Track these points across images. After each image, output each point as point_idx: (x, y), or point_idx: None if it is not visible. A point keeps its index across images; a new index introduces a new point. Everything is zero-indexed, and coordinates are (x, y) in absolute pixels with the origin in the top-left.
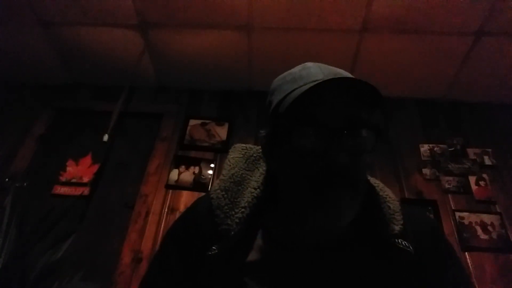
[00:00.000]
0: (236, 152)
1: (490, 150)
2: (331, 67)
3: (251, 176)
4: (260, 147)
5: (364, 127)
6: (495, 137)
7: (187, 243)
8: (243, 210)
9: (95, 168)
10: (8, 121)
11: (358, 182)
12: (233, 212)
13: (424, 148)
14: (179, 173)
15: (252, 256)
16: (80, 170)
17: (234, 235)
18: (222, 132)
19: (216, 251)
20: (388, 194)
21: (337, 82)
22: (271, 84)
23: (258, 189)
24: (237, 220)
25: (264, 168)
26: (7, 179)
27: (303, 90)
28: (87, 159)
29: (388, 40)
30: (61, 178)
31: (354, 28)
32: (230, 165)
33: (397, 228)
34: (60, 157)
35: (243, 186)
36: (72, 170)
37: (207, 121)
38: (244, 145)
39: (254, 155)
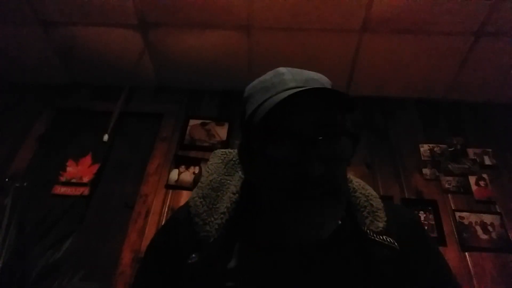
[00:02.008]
0: (216, 158)
1: (490, 150)
2: (303, 71)
3: (230, 181)
4: None
5: (339, 134)
6: (495, 137)
7: (167, 255)
8: (222, 216)
9: (95, 168)
10: (8, 121)
11: (337, 190)
12: (212, 219)
13: (424, 148)
14: (179, 173)
15: (234, 261)
16: (80, 170)
17: (214, 241)
18: (222, 132)
19: (196, 259)
20: (370, 192)
21: (308, 92)
22: (244, 92)
23: (237, 194)
24: (216, 227)
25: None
26: (7, 179)
27: (276, 101)
28: (87, 159)
29: (388, 40)
30: (61, 178)
31: (354, 28)
32: (208, 172)
33: (381, 225)
34: (60, 157)
35: (222, 191)
36: (72, 170)
37: (207, 121)
38: (224, 150)
39: (234, 159)
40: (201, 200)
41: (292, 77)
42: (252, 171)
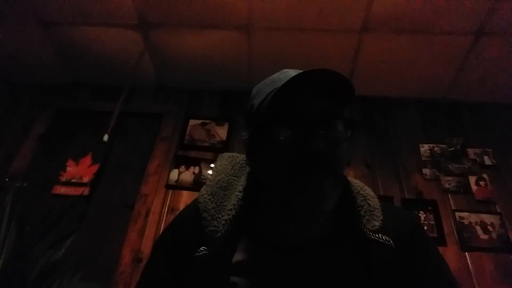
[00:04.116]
0: (223, 160)
1: (490, 150)
2: None
3: (237, 182)
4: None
5: (338, 119)
6: (495, 137)
7: (174, 251)
8: (229, 212)
9: (95, 168)
10: (8, 121)
11: (337, 167)
12: (220, 215)
13: (424, 148)
14: (179, 173)
15: (239, 256)
16: (80, 170)
17: (221, 236)
18: (222, 132)
19: (204, 252)
20: (368, 193)
21: (313, 76)
22: (252, 91)
23: (243, 192)
24: (223, 222)
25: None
26: (7, 179)
27: (284, 81)
28: (87, 159)
29: (388, 40)
30: (61, 178)
31: (354, 28)
32: (216, 172)
33: (377, 223)
34: (60, 157)
35: (229, 191)
36: (72, 170)
37: (207, 121)
38: (231, 153)
39: (241, 162)
40: (210, 197)
41: (296, 73)
42: (259, 158)
